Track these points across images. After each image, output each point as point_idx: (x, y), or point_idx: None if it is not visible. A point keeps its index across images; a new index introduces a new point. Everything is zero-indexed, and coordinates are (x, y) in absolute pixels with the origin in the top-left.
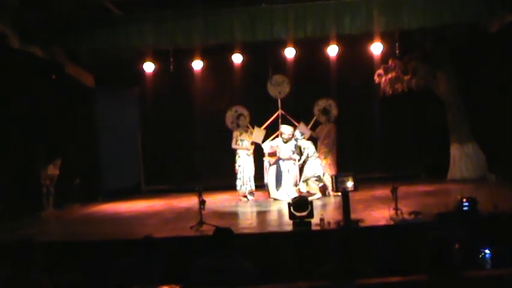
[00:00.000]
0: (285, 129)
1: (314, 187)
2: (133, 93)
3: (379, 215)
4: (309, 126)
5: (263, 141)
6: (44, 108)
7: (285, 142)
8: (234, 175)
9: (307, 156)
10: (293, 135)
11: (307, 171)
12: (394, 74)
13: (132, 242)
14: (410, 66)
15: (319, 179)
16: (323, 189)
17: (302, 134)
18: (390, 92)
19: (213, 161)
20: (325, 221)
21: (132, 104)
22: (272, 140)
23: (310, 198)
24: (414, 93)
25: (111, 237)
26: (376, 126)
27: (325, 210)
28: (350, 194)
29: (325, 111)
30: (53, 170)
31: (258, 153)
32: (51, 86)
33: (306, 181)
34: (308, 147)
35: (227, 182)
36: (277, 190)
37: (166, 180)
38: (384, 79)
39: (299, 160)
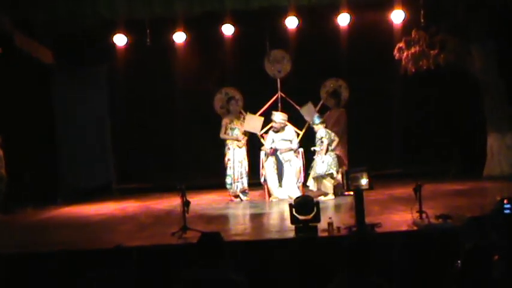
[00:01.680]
0: (276, 117)
1: (328, 186)
2: (101, 72)
3: (399, 219)
4: (316, 110)
5: (262, 130)
6: None
7: (276, 132)
8: (223, 171)
9: (328, 149)
10: (313, 121)
11: (320, 167)
12: (418, 48)
13: (100, 253)
14: (437, 38)
15: (332, 176)
16: (337, 189)
17: (319, 117)
18: (413, 70)
19: (198, 154)
20: (334, 226)
21: (100, 85)
22: (267, 131)
23: (322, 199)
24: (442, 72)
25: (75, 247)
26: (395, 111)
27: (335, 213)
28: (364, 194)
29: (334, 94)
30: None
31: (252, 144)
32: None
33: (317, 178)
34: (330, 137)
35: (215, 179)
36: (280, 186)
37: (143, 177)
38: (405, 54)
39: (318, 152)
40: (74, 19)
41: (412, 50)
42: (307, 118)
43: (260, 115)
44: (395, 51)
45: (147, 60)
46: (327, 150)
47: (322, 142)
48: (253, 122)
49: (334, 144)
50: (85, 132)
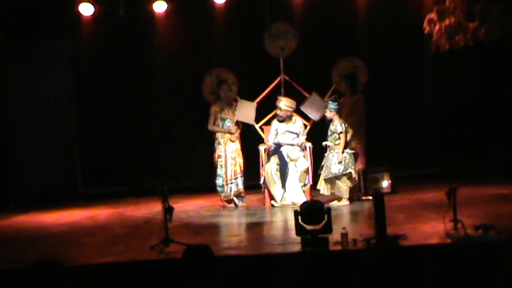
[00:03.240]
0: (282, 103)
1: (343, 188)
2: (63, 50)
3: (429, 230)
4: (326, 98)
5: (262, 121)
6: None
7: (281, 121)
8: (213, 170)
9: (346, 145)
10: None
11: (335, 166)
12: (453, 19)
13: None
14: (478, 7)
15: (350, 177)
16: (352, 192)
17: (335, 102)
18: (447, 48)
19: (183, 150)
20: (349, 238)
21: (62, 65)
22: (269, 121)
23: (334, 205)
24: (484, 49)
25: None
26: (424, 98)
27: (350, 222)
28: (386, 198)
29: (349, 77)
30: None
31: (250, 138)
32: None
33: (329, 180)
34: (346, 130)
35: (204, 180)
36: (282, 191)
37: (115, 179)
38: (437, 28)
39: (331, 148)
40: None
41: (446, 22)
42: (312, 115)
43: (258, 103)
44: (425, 23)
45: (120, 35)
46: (345, 147)
47: (339, 137)
48: (246, 110)
49: (348, 136)
50: (43, 124)
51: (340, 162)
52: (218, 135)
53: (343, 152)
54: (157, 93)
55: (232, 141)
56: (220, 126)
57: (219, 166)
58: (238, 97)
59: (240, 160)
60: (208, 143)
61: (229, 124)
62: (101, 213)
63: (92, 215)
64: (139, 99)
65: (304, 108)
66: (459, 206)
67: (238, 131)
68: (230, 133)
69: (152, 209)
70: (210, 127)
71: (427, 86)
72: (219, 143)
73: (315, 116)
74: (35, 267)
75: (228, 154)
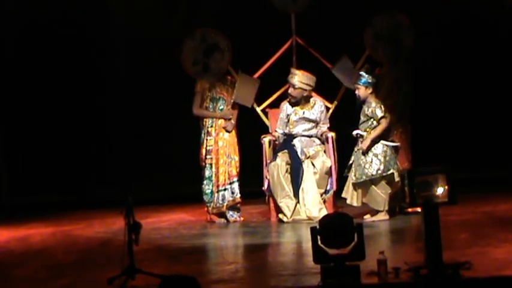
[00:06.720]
0: (296, 78)
1: (381, 197)
2: None
3: (503, 256)
4: (357, 68)
5: (266, 102)
6: None
7: (294, 104)
8: (197, 173)
9: (385, 136)
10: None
11: (371, 165)
12: None
13: None
14: None
15: (391, 180)
16: (394, 202)
17: (373, 78)
18: None
19: (154, 145)
20: (389, 267)
21: None
22: (275, 103)
23: (368, 220)
24: None
25: None
26: (497, 69)
27: (390, 244)
28: (441, 211)
29: (389, 39)
30: None
31: (245, 124)
32: None
33: (361, 184)
34: (386, 115)
35: (184, 186)
36: (294, 201)
37: (56, 184)
38: None
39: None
40: None
41: None
42: (345, 81)
43: (260, 77)
44: None
45: None
46: (384, 137)
47: (379, 123)
48: (248, 88)
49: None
50: None
51: (376, 157)
52: (207, 122)
53: (374, 143)
54: (116, 64)
55: (227, 130)
56: (211, 109)
57: (207, 166)
58: (239, 70)
59: (235, 158)
60: (191, 133)
61: (222, 106)
62: (36, 233)
63: (23, 235)
64: (91, 75)
65: (335, 71)
66: None
67: (235, 114)
68: (225, 119)
69: (110, 226)
70: (196, 110)
71: (502, 51)
72: (208, 133)
73: (348, 81)
74: None
75: (221, 149)
